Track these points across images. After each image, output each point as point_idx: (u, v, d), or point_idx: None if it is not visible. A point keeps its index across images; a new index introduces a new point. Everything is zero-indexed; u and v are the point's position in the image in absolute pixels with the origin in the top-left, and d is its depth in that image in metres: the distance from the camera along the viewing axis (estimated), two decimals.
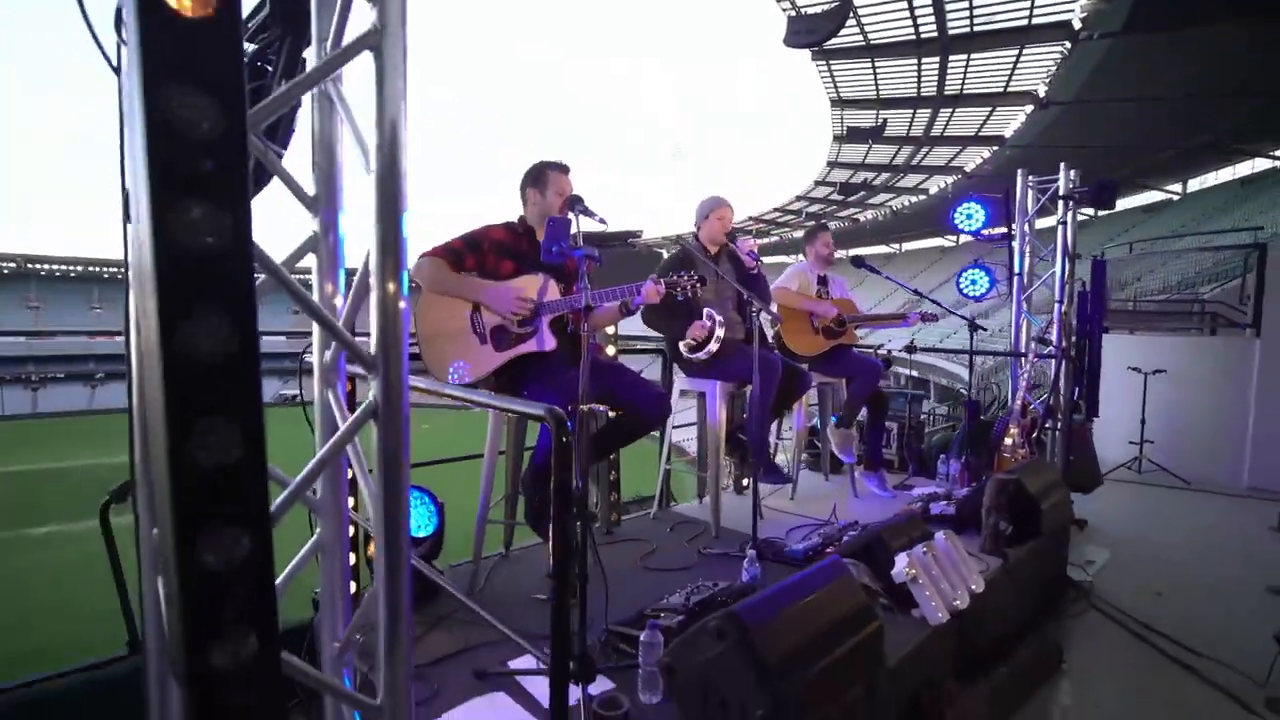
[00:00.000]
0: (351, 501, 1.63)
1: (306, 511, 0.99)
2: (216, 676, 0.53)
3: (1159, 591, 3.13)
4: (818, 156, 25.73)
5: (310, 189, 0.93)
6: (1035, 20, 13.54)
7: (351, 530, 1.81)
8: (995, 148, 21.03)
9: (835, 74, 17.58)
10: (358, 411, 0.76)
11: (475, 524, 2.16)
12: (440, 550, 2.11)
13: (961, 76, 16.47)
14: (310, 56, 0.95)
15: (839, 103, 19.55)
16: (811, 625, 1.40)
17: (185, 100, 0.51)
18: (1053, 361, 3.44)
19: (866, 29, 14.63)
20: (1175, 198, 25.49)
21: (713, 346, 2.47)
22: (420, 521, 2.01)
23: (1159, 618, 2.78)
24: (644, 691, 1.51)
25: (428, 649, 1.73)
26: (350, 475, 1.00)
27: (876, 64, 16.48)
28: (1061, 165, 3.50)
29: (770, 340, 3.27)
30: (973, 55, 15.24)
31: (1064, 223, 3.45)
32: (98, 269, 42.53)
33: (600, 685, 1.55)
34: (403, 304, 0.78)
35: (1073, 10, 13.03)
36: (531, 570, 2.28)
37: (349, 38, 0.84)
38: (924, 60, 15.70)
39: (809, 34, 13.31)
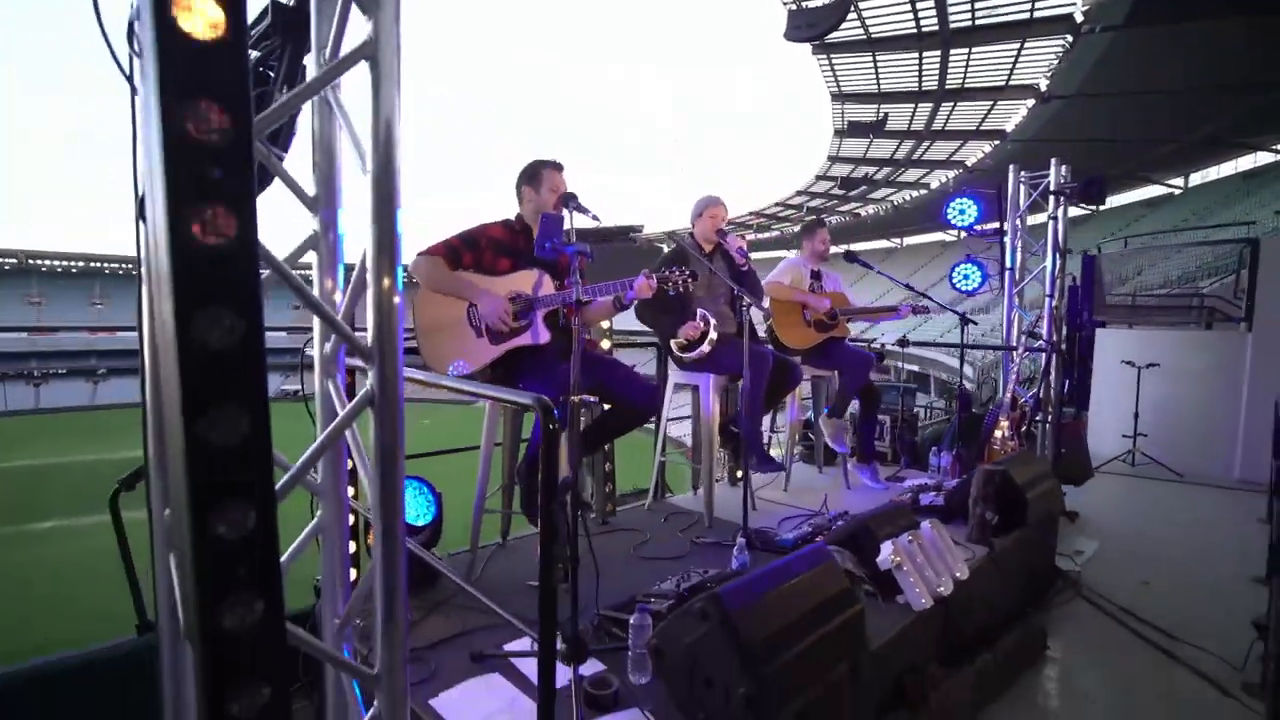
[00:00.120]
0: (352, 491, 1.69)
1: (308, 499, 1.05)
2: (227, 638, 0.59)
3: (1146, 581, 3.19)
4: (818, 151, 25.72)
5: (310, 189, 0.98)
6: (1037, 14, 13.51)
7: (352, 519, 1.87)
8: (997, 142, 20.99)
9: (836, 68, 17.55)
10: (355, 399, 0.82)
11: (472, 514, 2.21)
12: (439, 539, 2.17)
13: (963, 70, 16.44)
14: (310, 63, 1.00)
15: (840, 97, 19.53)
16: (793, 608, 1.46)
17: (197, 114, 0.56)
18: (1044, 355, 3.49)
19: (867, 23, 14.61)
20: (1177, 192, 25.43)
21: (705, 348, 2.53)
22: (419, 510, 2.07)
23: (1144, 606, 2.84)
24: (634, 672, 1.56)
25: (426, 633, 1.79)
26: (350, 466, 1.05)
27: (878, 58, 16.46)
28: (1053, 161, 3.54)
29: (763, 334, 3.32)
30: (974, 49, 15.22)
31: (1055, 218, 3.49)
32: (99, 265, 42.60)
33: (592, 667, 1.61)
34: (397, 299, 0.83)
35: (1074, 4, 13.00)
36: (527, 558, 2.34)
37: (346, 47, 0.89)
38: (925, 54, 15.67)
39: (810, 28, 13.28)
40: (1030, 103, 17.79)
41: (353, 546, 1.85)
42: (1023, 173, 3.78)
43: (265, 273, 0.78)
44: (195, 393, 0.57)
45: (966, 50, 15.28)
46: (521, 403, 0.97)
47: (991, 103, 18.42)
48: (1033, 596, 2.83)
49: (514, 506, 2.30)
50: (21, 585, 10.04)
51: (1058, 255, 3.48)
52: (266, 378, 0.62)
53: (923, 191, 27.77)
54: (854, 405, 3.46)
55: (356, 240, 0.93)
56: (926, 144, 22.51)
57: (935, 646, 2.16)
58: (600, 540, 2.58)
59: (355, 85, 0.94)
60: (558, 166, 2.28)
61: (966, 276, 3.74)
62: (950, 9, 13.53)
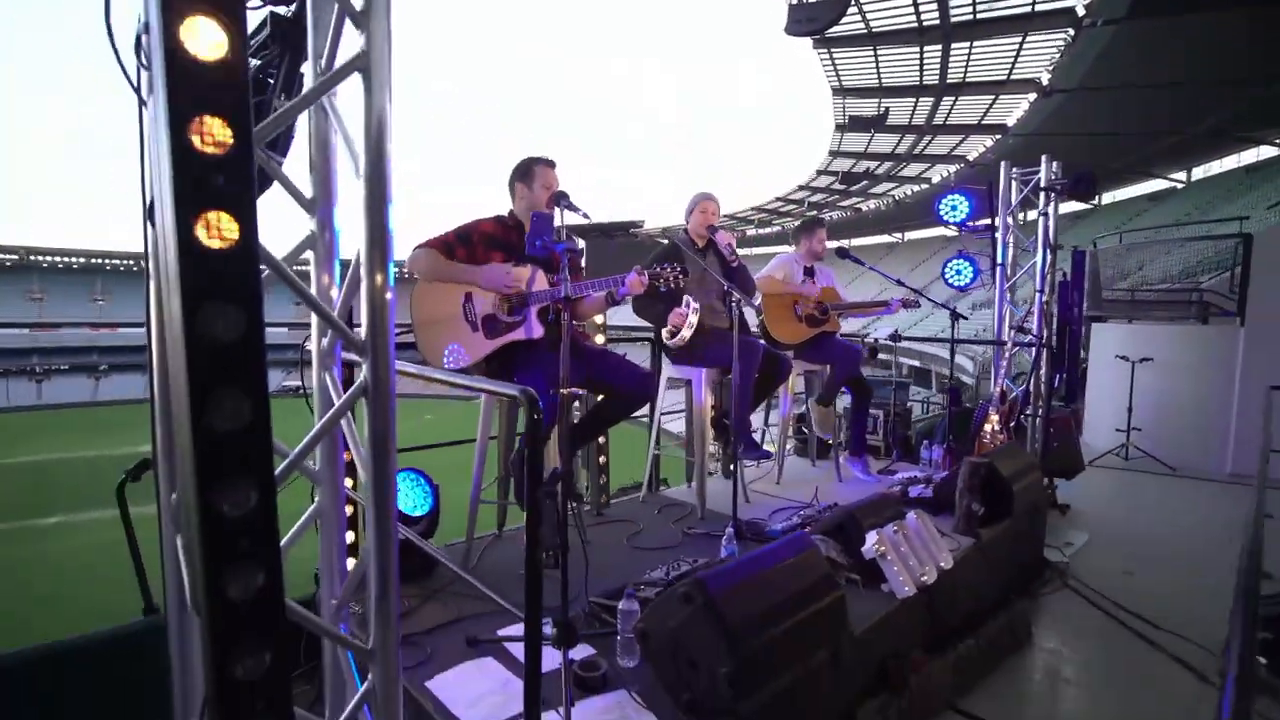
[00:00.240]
0: (351, 483, 1.75)
1: (309, 492, 1.11)
2: (231, 607, 0.65)
3: (1129, 571, 3.24)
4: (819, 146, 25.70)
5: (308, 191, 1.03)
6: (1038, 7, 13.48)
7: (351, 510, 1.93)
8: (998, 136, 20.96)
9: (837, 62, 17.52)
10: (350, 390, 0.87)
11: (469, 505, 2.27)
12: (436, 529, 2.23)
13: (964, 64, 16.41)
14: (307, 71, 1.05)
15: (841, 91, 19.49)
16: (775, 592, 1.51)
17: (202, 128, 0.61)
18: (1035, 350, 3.54)
19: (868, 16, 14.57)
20: (1180, 186, 25.36)
21: (685, 333, 2.57)
22: (416, 501, 2.13)
23: (1130, 596, 2.89)
24: (622, 656, 1.62)
25: (423, 619, 1.86)
26: (347, 459, 1.11)
27: (879, 52, 16.43)
28: (1044, 157, 3.57)
29: (755, 329, 3.37)
30: (975, 43, 15.19)
31: (1045, 214, 3.53)
32: (100, 261, 42.66)
33: (582, 651, 1.67)
34: (390, 294, 0.89)
35: None
36: (522, 548, 2.39)
37: (341, 57, 0.95)
38: (926, 48, 15.64)
39: (810, 22, 13.24)
40: (1032, 97, 17.75)
41: (351, 536, 1.91)
42: (1014, 169, 3.82)
43: (265, 272, 0.84)
44: (201, 382, 0.63)
45: (968, 44, 15.25)
46: (508, 394, 1.02)
47: (993, 97, 18.39)
48: (1019, 586, 2.88)
49: (509, 497, 2.36)
50: (24, 581, 10.14)
51: (1048, 251, 3.52)
52: (266, 369, 0.67)
53: (924, 186, 27.73)
54: (846, 400, 3.51)
55: (352, 236, 0.98)
56: (928, 139, 22.48)
57: (920, 633, 2.22)
58: (594, 531, 2.65)
59: (352, 88, 0.99)
60: (550, 163, 2.32)
61: (959, 272, 3.79)
62: (951, 2, 13.50)
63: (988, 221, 3.65)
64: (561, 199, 1.93)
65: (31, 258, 41.22)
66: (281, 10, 1.05)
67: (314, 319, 0.99)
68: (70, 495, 14.60)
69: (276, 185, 1.05)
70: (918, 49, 15.73)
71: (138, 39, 0.90)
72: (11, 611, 8.44)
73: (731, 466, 3.20)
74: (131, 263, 42.63)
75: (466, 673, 1.59)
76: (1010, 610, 2.58)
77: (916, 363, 23.57)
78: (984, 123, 20.35)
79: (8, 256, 40.49)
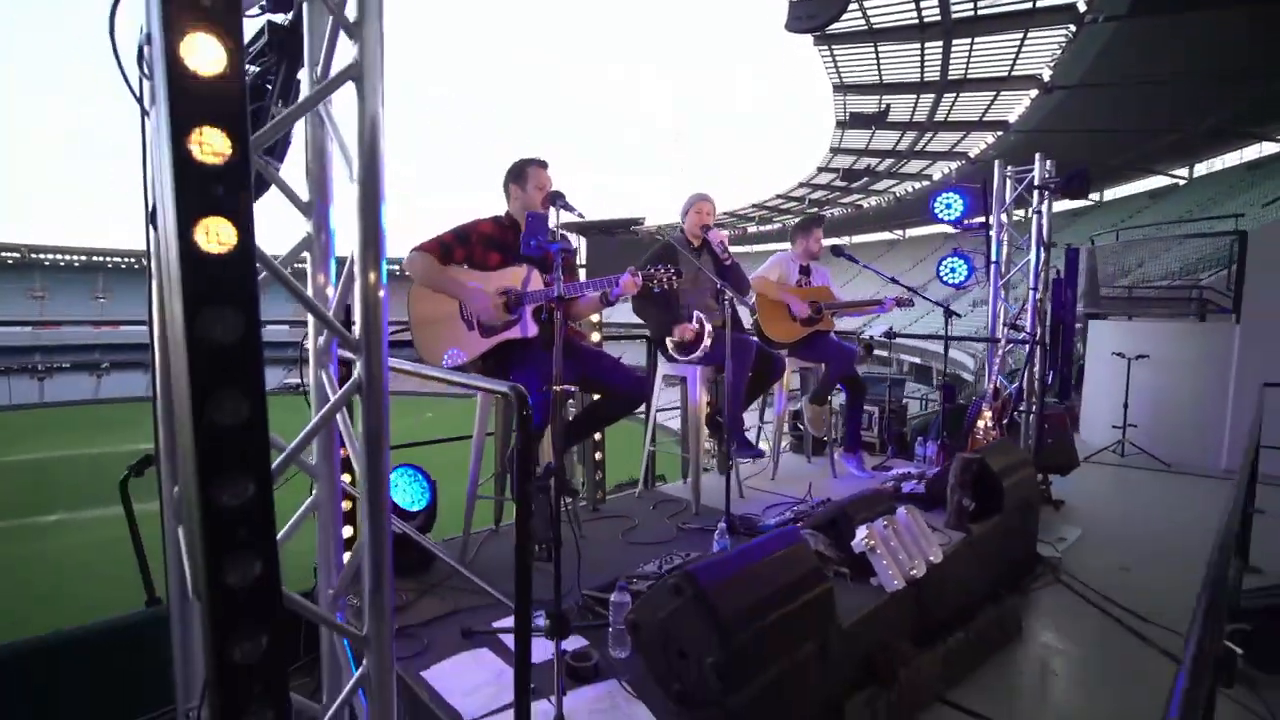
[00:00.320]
0: (349, 478, 1.78)
1: (309, 488, 1.14)
2: (230, 593, 0.68)
3: (1125, 567, 3.28)
4: (820, 143, 25.67)
5: (304, 195, 1.06)
6: (1039, 3, 13.44)
7: (350, 505, 1.96)
8: (1000, 133, 20.92)
9: (838, 59, 17.48)
10: (345, 387, 0.91)
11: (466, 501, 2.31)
12: (433, 524, 2.27)
13: (965, 61, 16.36)
14: (304, 78, 1.08)
15: (841, 88, 19.46)
16: (763, 585, 1.55)
17: (202, 140, 0.64)
18: (1028, 348, 3.57)
19: (869, 13, 14.54)
20: (1182, 182, 25.32)
21: (706, 344, 2.62)
22: (414, 497, 2.17)
23: (1122, 591, 2.92)
24: (614, 647, 1.66)
25: (420, 612, 1.89)
26: (345, 454, 1.14)
27: (879, 49, 16.39)
28: (1037, 156, 3.60)
29: (749, 328, 3.40)
30: (976, 39, 15.15)
31: (1039, 212, 3.56)
32: (101, 259, 42.71)
33: (576, 642, 1.71)
34: (382, 292, 0.92)
35: None
36: None
37: (336, 66, 0.98)
38: (927, 44, 15.60)
39: (810, 19, 13.22)
40: (1033, 93, 17.71)
41: (350, 530, 1.95)
42: (1009, 167, 3.84)
43: (262, 273, 0.87)
44: (202, 380, 0.66)
45: (969, 40, 15.21)
46: (498, 391, 1.06)
47: (994, 93, 18.34)
48: (1011, 581, 2.92)
49: (506, 493, 2.40)
50: (24, 578, 10.20)
51: (1042, 248, 3.55)
52: (263, 367, 0.71)
53: (925, 183, 27.69)
54: (841, 397, 3.54)
55: (346, 234, 1.01)
56: (929, 135, 22.44)
57: (909, 626, 2.25)
58: (590, 526, 2.68)
59: (347, 94, 1.02)
60: (543, 164, 2.36)
61: (954, 270, 3.82)
62: None
63: (982, 219, 3.67)
64: (557, 199, 1.96)
65: (33, 256, 41.29)
66: (279, 19, 1.08)
67: (310, 319, 1.03)
68: (72, 493, 14.67)
69: (274, 188, 1.08)
70: (919, 45, 15.69)
71: (140, 49, 0.93)
72: (11, 611, 8.50)
73: (729, 462, 3.24)
74: (133, 260, 42.68)
75: (462, 663, 1.63)
76: (1000, 604, 2.61)
77: (917, 360, 23.58)
78: (985, 119, 20.30)
79: (10, 255, 40.57)
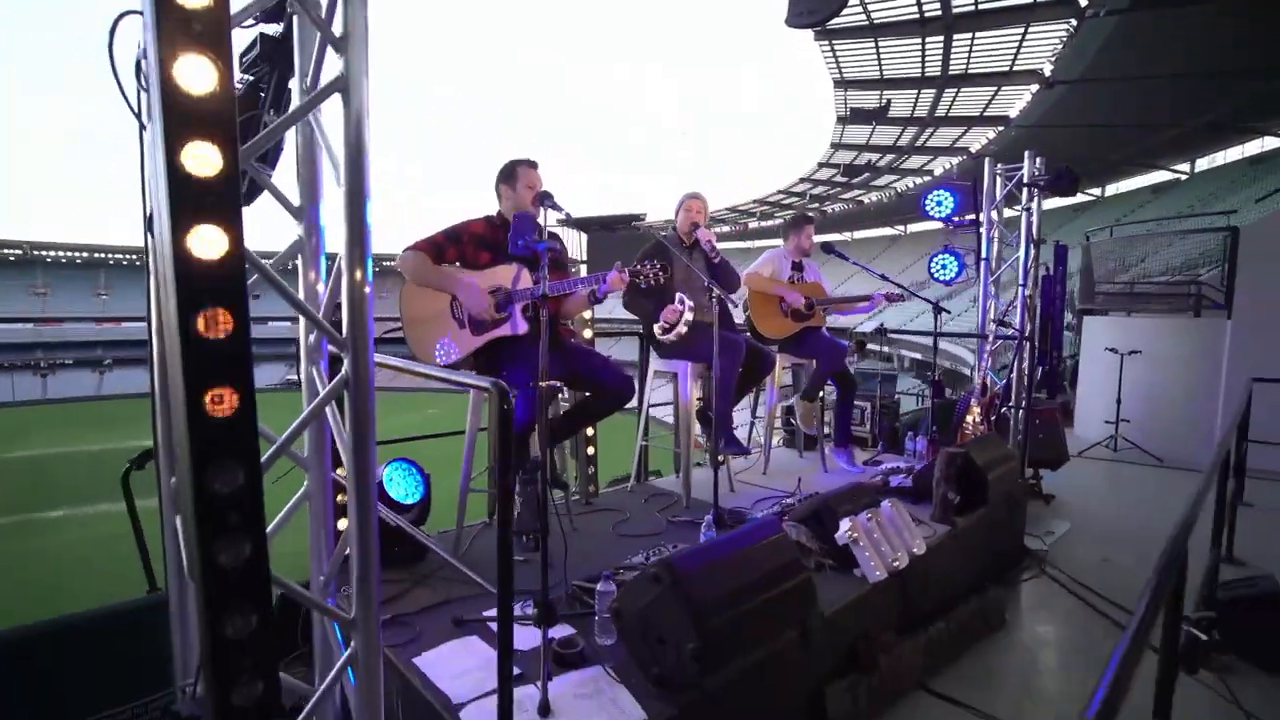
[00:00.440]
0: (344, 472, 1.84)
1: (304, 482, 1.20)
2: (222, 573, 0.74)
3: (1105, 558, 3.33)
4: (821, 139, 25.63)
5: (295, 199, 1.11)
6: None
7: (343, 498, 2.02)
8: (1001, 128, 20.86)
9: (838, 54, 17.45)
10: (332, 382, 0.96)
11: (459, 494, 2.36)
12: (428, 517, 2.33)
13: (966, 56, 16.32)
14: (294, 88, 1.13)
15: (842, 83, 19.42)
16: (742, 574, 1.60)
17: (195, 153, 0.69)
18: (1016, 344, 3.61)
19: (869, 8, 14.51)
20: (1184, 177, 25.24)
21: (681, 329, 2.66)
22: (408, 490, 2.22)
23: (1106, 582, 2.98)
24: (600, 635, 1.72)
25: (413, 601, 1.95)
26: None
27: (880, 43, 16.36)
28: (1026, 154, 3.63)
29: (741, 323, 3.45)
30: (977, 34, 15.11)
31: (1028, 209, 3.59)
32: (103, 255, 42.79)
33: (563, 631, 1.76)
34: (368, 289, 0.97)
35: None
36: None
37: (325, 77, 1.03)
38: (928, 39, 15.57)
39: (811, 14, 13.20)
40: (1034, 88, 17.66)
41: (345, 524, 2.00)
42: (999, 164, 3.88)
43: (254, 276, 0.92)
44: (195, 376, 0.72)
45: (970, 35, 15.17)
46: (480, 386, 1.11)
47: (995, 88, 18.29)
48: (996, 573, 2.97)
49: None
50: (27, 574, 10.28)
51: (1031, 245, 3.58)
52: (252, 364, 0.76)
53: (926, 178, 27.63)
54: (833, 392, 3.59)
55: (337, 233, 1.07)
56: (930, 130, 22.39)
57: (893, 616, 2.31)
58: (583, 519, 2.74)
59: (335, 101, 1.07)
60: (532, 164, 2.41)
61: (944, 266, 3.86)
62: None
63: (973, 217, 3.71)
64: (545, 199, 2.00)
65: (35, 253, 41.38)
66: (271, 30, 1.13)
67: (301, 319, 1.08)
68: (76, 489, 14.77)
69: (267, 193, 1.13)
70: (919, 40, 15.66)
71: (138, 62, 0.98)
72: (12, 610, 8.59)
73: (721, 459, 3.28)
74: (134, 257, 42.68)
75: (452, 650, 1.69)
76: (984, 596, 2.67)
77: (919, 355, 23.56)
78: (986, 114, 20.25)
79: (12, 251, 40.67)
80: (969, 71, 17.29)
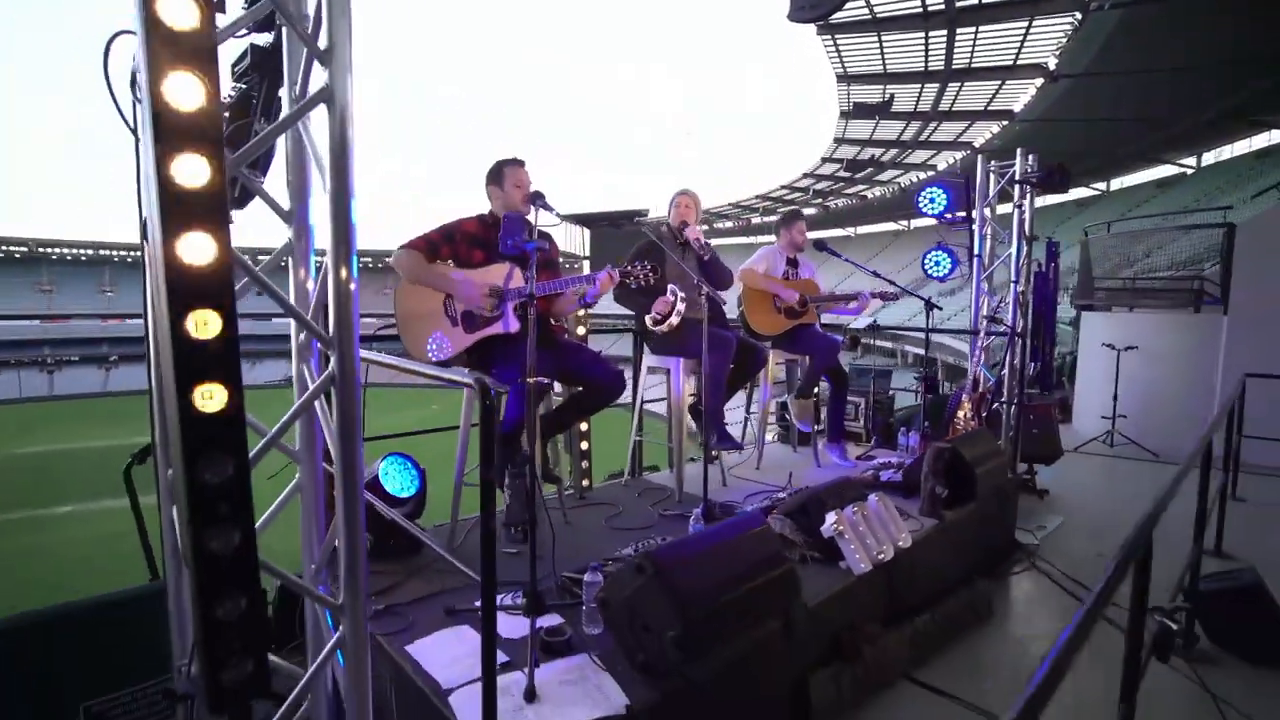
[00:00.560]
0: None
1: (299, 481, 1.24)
2: (213, 558, 0.78)
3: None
4: (824, 133, 25.55)
5: (285, 204, 1.16)
6: None
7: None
8: (1005, 122, 20.77)
9: (841, 49, 17.39)
10: (321, 377, 1.01)
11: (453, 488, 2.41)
12: (423, 511, 2.38)
13: (970, 50, 16.25)
14: (284, 96, 1.18)
15: (845, 78, 19.36)
16: (724, 564, 1.65)
17: (184, 165, 0.74)
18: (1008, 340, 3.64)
19: (872, 2, 14.46)
20: (1190, 171, 25.08)
21: (674, 319, 2.70)
22: (404, 484, 2.27)
23: (1096, 576, 3.00)
24: (587, 624, 1.77)
25: (407, 592, 2.01)
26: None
27: (883, 38, 16.30)
28: (1019, 151, 3.65)
29: (734, 319, 3.49)
30: (981, 28, 15.04)
31: (1020, 206, 3.62)
32: (108, 252, 43.00)
33: (552, 620, 1.81)
34: (353, 286, 1.02)
35: None
36: (503, 528, 2.53)
37: (313, 86, 1.07)
38: (931, 33, 15.51)
39: (813, 8, 13.15)
40: (1039, 82, 17.56)
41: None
42: (992, 161, 3.90)
43: (244, 279, 0.97)
44: (186, 373, 0.76)
45: (973, 29, 15.11)
46: (464, 382, 1.15)
47: (999, 82, 18.20)
48: (986, 567, 3.01)
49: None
50: (37, 567, 10.41)
51: (1024, 242, 3.61)
52: (240, 361, 0.81)
53: (930, 173, 27.52)
54: (826, 388, 3.63)
55: (326, 231, 1.11)
56: (933, 125, 22.31)
57: (880, 608, 2.35)
58: (576, 513, 2.79)
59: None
60: (519, 163, 2.46)
61: (938, 263, 3.89)
62: None
63: (965, 214, 3.74)
64: (537, 199, 2.04)
65: (40, 250, 41.64)
66: (262, 41, 1.17)
67: (292, 322, 1.12)
68: (79, 485, 14.92)
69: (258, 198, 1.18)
70: (922, 34, 15.59)
71: (133, 75, 1.02)
72: (17, 606, 8.68)
73: (714, 454, 3.33)
74: (138, 254, 42.70)
75: (444, 638, 1.74)
76: (971, 588, 2.71)
77: (922, 351, 23.52)
78: (990, 109, 20.16)
79: (17, 249, 40.94)
80: (972, 66, 17.21)
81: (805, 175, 30.75)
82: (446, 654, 1.66)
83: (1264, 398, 4.38)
